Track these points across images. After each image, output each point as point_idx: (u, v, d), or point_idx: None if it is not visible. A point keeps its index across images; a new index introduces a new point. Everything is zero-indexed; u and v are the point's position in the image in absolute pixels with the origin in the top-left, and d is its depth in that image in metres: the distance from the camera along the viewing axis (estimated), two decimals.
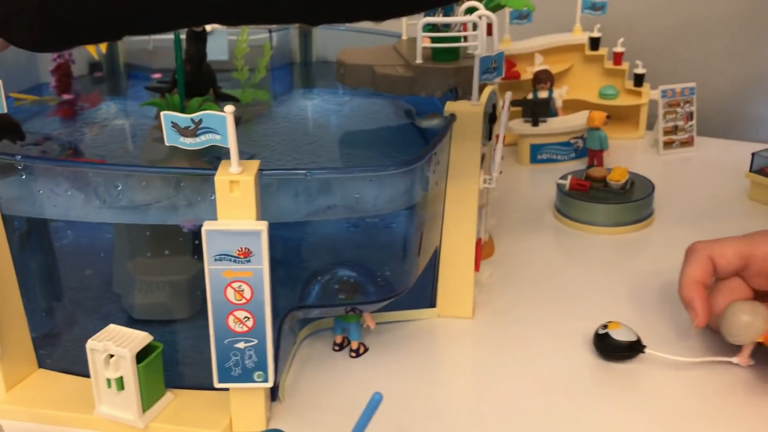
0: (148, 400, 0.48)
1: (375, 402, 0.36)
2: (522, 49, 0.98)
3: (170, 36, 0.86)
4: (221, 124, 0.41)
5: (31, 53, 0.77)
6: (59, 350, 0.55)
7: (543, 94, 0.93)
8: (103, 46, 0.81)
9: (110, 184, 0.45)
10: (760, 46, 1.05)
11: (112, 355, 0.46)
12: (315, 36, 0.88)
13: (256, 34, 0.83)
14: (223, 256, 0.43)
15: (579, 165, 0.91)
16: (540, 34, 1.00)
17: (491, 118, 0.60)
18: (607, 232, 0.75)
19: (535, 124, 0.91)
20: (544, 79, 0.93)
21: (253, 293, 0.44)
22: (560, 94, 0.97)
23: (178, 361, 0.54)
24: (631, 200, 0.76)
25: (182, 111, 0.58)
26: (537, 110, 0.91)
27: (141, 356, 0.47)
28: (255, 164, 0.43)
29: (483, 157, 0.59)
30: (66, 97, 0.76)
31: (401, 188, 0.47)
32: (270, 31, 0.84)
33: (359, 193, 0.46)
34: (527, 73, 0.97)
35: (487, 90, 0.58)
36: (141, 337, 0.47)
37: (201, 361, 0.53)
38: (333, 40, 0.84)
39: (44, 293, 0.56)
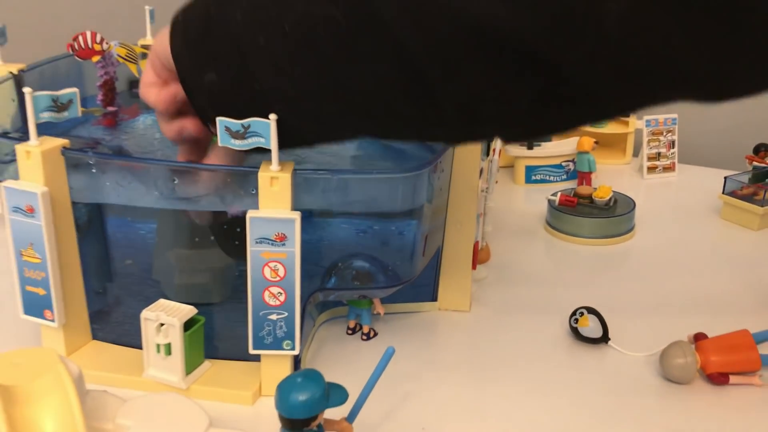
0: (190, 365, 0.56)
1: (388, 355, 0.44)
2: None
3: None
4: (266, 129, 0.49)
5: (79, 70, 0.86)
6: (109, 325, 0.63)
7: None
8: (143, 65, 0.89)
9: (168, 178, 0.53)
10: None
11: (162, 324, 0.54)
12: None
13: None
14: (262, 240, 0.51)
15: (570, 185, 0.99)
16: None
17: None
18: (592, 243, 0.84)
19: (530, 147, 1.00)
20: None
21: (286, 272, 0.52)
22: None
23: (212, 337, 0.62)
24: (614, 215, 0.84)
25: None
26: None
27: (186, 327, 0.55)
28: (291, 164, 0.52)
29: (482, 170, 0.67)
30: (110, 109, 0.84)
31: (410, 190, 0.56)
32: None
33: (374, 193, 0.55)
34: None
35: None
36: (188, 310, 0.55)
37: (232, 338, 0.62)
38: None
39: (97, 276, 0.64)
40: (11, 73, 0.75)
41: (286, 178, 0.50)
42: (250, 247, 0.51)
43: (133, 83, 0.93)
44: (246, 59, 0.45)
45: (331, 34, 0.41)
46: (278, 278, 0.52)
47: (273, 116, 0.49)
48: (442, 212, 0.66)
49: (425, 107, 0.41)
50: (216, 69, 0.47)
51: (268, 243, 0.51)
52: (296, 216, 0.51)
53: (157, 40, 0.52)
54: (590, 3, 0.32)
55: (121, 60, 0.85)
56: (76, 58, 0.81)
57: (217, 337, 0.63)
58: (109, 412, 0.43)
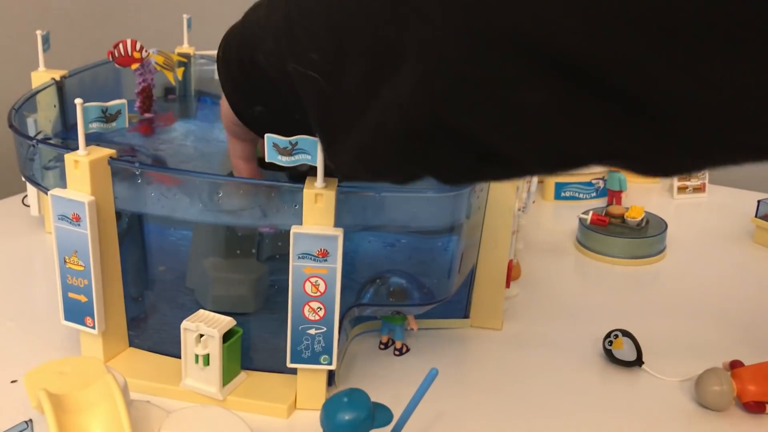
0: (227, 376, 0.56)
1: (431, 376, 0.44)
2: None
3: None
4: (313, 147, 0.50)
5: (118, 77, 0.87)
6: (145, 332, 0.63)
7: None
8: (179, 72, 0.91)
9: (213, 191, 0.54)
10: None
11: (201, 335, 0.55)
12: None
13: None
14: (305, 255, 0.51)
15: (599, 203, 0.99)
16: None
17: None
18: (623, 263, 0.84)
19: None
20: None
21: (327, 288, 0.52)
22: None
23: (248, 348, 0.62)
24: (646, 236, 0.84)
25: None
26: None
27: (224, 338, 0.55)
28: (334, 182, 0.52)
29: (517, 189, 0.67)
30: (147, 115, 0.85)
31: (449, 210, 0.56)
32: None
33: (414, 211, 0.55)
34: None
35: None
36: (227, 321, 0.55)
37: (266, 349, 0.62)
38: None
39: (135, 283, 0.65)
40: (53, 79, 0.76)
41: (330, 195, 0.51)
42: (293, 262, 0.52)
43: (169, 90, 0.94)
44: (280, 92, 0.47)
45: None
46: (319, 294, 0.53)
47: None
48: (477, 230, 0.66)
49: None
50: (260, 102, 0.51)
51: (311, 258, 0.52)
52: (339, 233, 0.51)
53: (222, 101, 0.55)
54: None
55: (158, 68, 0.87)
56: (116, 65, 0.82)
57: (252, 348, 0.63)
58: (154, 424, 0.44)
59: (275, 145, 0.50)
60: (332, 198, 0.51)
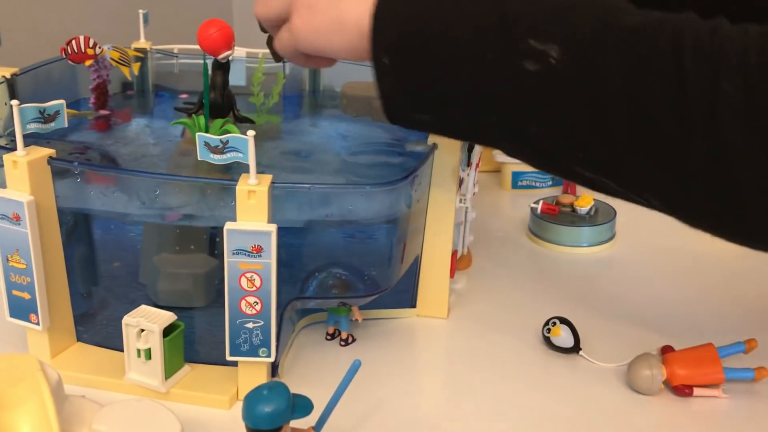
0: (170, 370, 0.58)
1: (354, 368, 0.45)
2: None
3: (195, 60, 0.97)
4: (244, 145, 0.51)
5: (73, 74, 0.88)
6: (94, 327, 0.64)
7: None
8: (135, 68, 0.91)
9: (150, 189, 0.55)
10: None
11: (143, 330, 0.56)
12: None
13: (271, 63, 0.93)
14: (239, 251, 0.53)
15: (556, 192, 1.01)
16: None
17: (470, 147, 0.70)
18: (573, 251, 0.85)
19: None
20: None
21: (262, 282, 0.54)
22: None
23: (194, 341, 0.64)
24: (595, 224, 0.86)
25: (206, 130, 0.68)
26: None
27: (166, 332, 0.57)
28: (268, 178, 0.53)
29: (462, 181, 0.69)
30: (102, 112, 0.86)
31: (387, 202, 0.58)
32: (284, 62, 0.94)
33: (352, 205, 0.57)
34: None
35: None
36: (167, 316, 0.57)
37: (213, 342, 0.64)
38: (339, 72, 0.94)
39: (83, 279, 0.66)
40: (4, 77, 0.76)
41: (263, 191, 0.52)
42: (228, 258, 0.53)
43: (126, 86, 0.94)
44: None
45: None
46: (254, 288, 0.54)
47: (251, 133, 0.51)
48: (420, 222, 0.67)
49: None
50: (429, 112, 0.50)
51: (245, 254, 0.53)
52: (272, 228, 0.52)
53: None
54: None
55: (114, 63, 0.87)
56: (70, 62, 0.82)
57: (199, 341, 0.64)
58: (86, 418, 0.45)
59: (206, 144, 0.51)
60: (265, 194, 0.52)
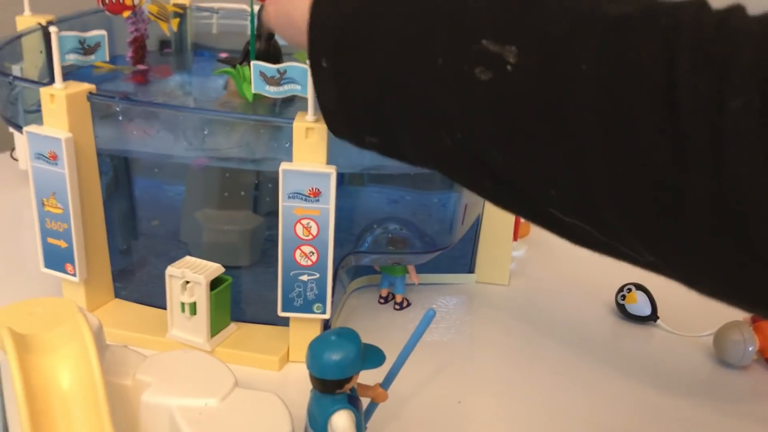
0: (215, 327, 0.53)
1: (429, 317, 0.41)
2: None
3: (235, 21, 0.92)
4: (303, 75, 0.46)
5: (110, 26, 0.84)
6: (133, 284, 0.60)
7: None
8: (174, 24, 0.87)
9: (198, 127, 0.51)
10: None
11: (188, 282, 0.52)
12: None
13: None
14: (295, 195, 0.48)
15: None
16: None
17: None
18: None
19: None
20: None
21: (319, 230, 0.49)
22: None
23: (240, 300, 0.59)
24: None
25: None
26: None
27: (212, 286, 0.52)
28: None
29: None
30: (140, 67, 0.82)
31: None
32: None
33: None
34: None
35: None
36: (215, 268, 0.52)
37: (260, 301, 0.59)
38: None
39: (122, 235, 0.62)
40: (39, 24, 0.73)
41: (322, 128, 0.47)
42: (283, 202, 0.48)
43: (164, 43, 0.90)
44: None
45: None
46: (311, 237, 0.49)
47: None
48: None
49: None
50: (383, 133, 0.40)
51: (302, 198, 0.48)
52: (332, 170, 0.47)
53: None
54: None
55: (152, 17, 0.83)
56: (107, 12, 0.78)
57: (245, 300, 0.60)
58: (130, 368, 0.41)
59: (262, 74, 0.46)
60: (324, 132, 0.47)
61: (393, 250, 0.57)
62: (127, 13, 0.80)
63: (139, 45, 0.82)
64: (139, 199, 0.64)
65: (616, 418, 0.50)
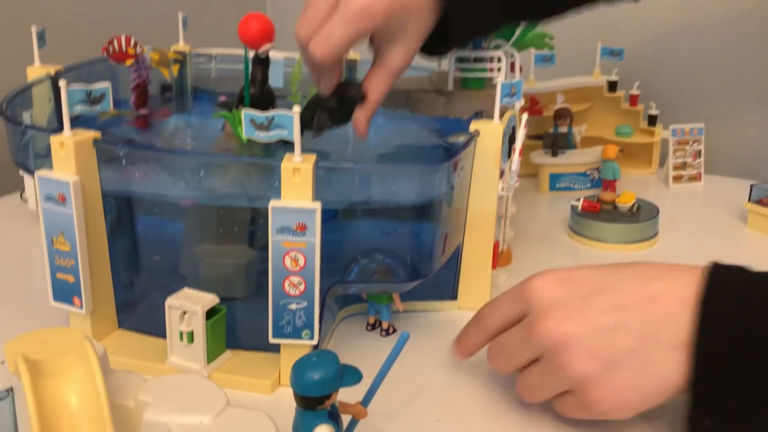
0: (212, 354, 0.57)
1: (403, 339, 0.45)
2: (545, 88, 1.08)
3: (233, 65, 0.98)
4: (289, 121, 0.51)
5: (114, 74, 0.89)
6: (135, 315, 0.64)
7: (563, 130, 1.02)
8: (175, 70, 0.92)
9: (195, 169, 0.55)
10: (766, 93, 1.14)
11: (185, 312, 0.56)
12: (359, 70, 0.98)
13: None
14: (284, 229, 0.52)
15: (595, 193, 0.99)
16: (562, 76, 1.10)
17: (511, 139, 0.69)
18: (615, 248, 0.84)
19: (554, 155, 1.01)
20: (564, 115, 1.02)
21: (306, 262, 0.53)
22: (579, 131, 1.06)
23: (235, 329, 0.63)
24: (638, 221, 0.84)
25: None
26: (556, 142, 1.01)
27: (208, 316, 0.56)
28: (313, 156, 0.53)
29: (503, 173, 0.68)
30: (142, 111, 0.87)
31: (430, 184, 0.57)
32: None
33: (395, 186, 0.56)
34: (549, 110, 1.07)
35: (508, 114, 0.68)
36: (210, 299, 0.56)
37: (254, 330, 0.63)
38: None
39: (126, 270, 0.66)
40: (48, 74, 0.78)
41: (308, 169, 0.52)
42: (272, 237, 0.53)
43: (165, 88, 0.95)
44: None
45: None
46: (298, 268, 0.53)
47: (296, 109, 0.51)
48: (462, 212, 0.66)
49: None
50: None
51: (289, 233, 0.52)
52: (317, 206, 0.52)
53: None
54: None
55: (154, 64, 0.88)
56: (111, 61, 0.83)
57: (240, 329, 0.64)
58: (131, 390, 0.45)
59: (252, 121, 0.51)
60: (310, 172, 0.52)
61: (377, 279, 0.61)
62: (130, 62, 0.85)
63: (141, 90, 0.87)
64: (141, 236, 0.68)
65: None
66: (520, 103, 0.71)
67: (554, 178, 1.01)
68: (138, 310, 0.65)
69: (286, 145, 0.53)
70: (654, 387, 0.45)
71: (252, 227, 0.68)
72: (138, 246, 0.68)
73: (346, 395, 0.46)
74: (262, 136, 0.52)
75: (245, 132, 0.52)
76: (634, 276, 0.47)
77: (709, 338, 0.43)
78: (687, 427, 0.45)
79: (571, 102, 1.07)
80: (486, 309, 0.54)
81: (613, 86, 1.10)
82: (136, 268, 0.68)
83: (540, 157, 1.01)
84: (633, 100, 1.10)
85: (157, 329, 0.61)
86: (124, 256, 0.66)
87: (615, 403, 0.46)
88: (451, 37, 0.62)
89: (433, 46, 0.63)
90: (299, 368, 0.40)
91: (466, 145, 0.61)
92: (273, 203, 0.52)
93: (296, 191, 0.52)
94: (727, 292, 0.44)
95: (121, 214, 0.66)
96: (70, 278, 0.57)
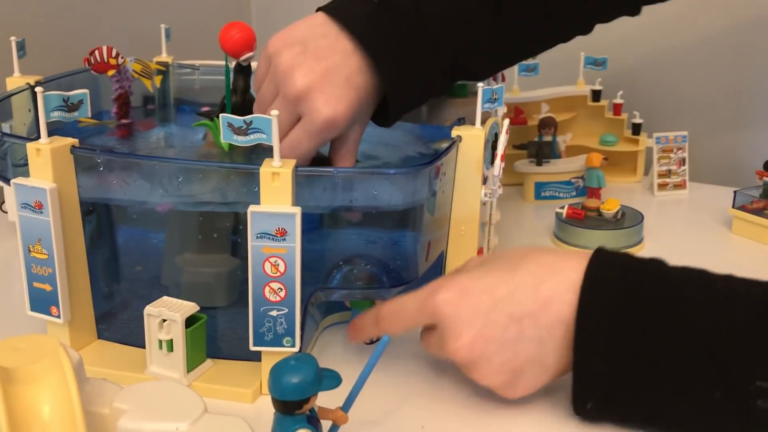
0: (192, 363, 0.56)
1: (383, 343, 0.44)
2: (529, 98, 1.08)
3: (216, 76, 0.97)
4: (267, 125, 0.51)
5: (96, 85, 0.88)
6: (115, 326, 0.63)
7: (547, 138, 1.02)
8: (157, 81, 0.92)
9: (173, 175, 0.55)
10: (748, 101, 1.15)
11: (164, 320, 0.55)
12: None
13: None
14: (263, 234, 0.52)
15: (579, 201, 0.99)
16: (546, 85, 1.10)
17: (493, 146, 0.69)
18: None
19: (539, 164, 1.01)
20: (548, 124, 1.03)
21: (287, 267, 0.52)
22: (564, 140, 1.07)
23: (216, 338, 0.62)
24: (622, 227, 0.84)
25: None
26: (541, 151, 1.01)
27: (188, 324, 0.56)
28: (292, 162, 0.53)
29: (486, 179, 0.68)
30: (124, 122, 0.86)
31: (412, 188, 0.57)
32: None
33: (377, 191, 0.56)
34: (534, 120, 1.07)
35: (490, 120, 0.68)
36: (189, 306, 0.55)
37: (235, 339, 0.62)
38: None
39: (106, 280, 0.65)
40: (28, 84, 0.77)
41: (287, 173, 0.51)
42: (251, 242, 0.52)
43: (148, 99, 0.95)
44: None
45: None
46: (278, 274, 0.53)
47: (275, 112, 0.50)
48: (445, 218, 0.66)
49: None
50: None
51: (269, 238, 0.52)
52: (297, 211, 0.51)
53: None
54: None
55: (136, 75, 0.88)
56: (92, 72, 0.83)
57: (222, 338, 0.63)
58: (107, 398, 0.44)
59: (230, 125, 0.51)
60: (289, 176, 0.51)
61: (360, 286, 0.60)
62: (111, 72, 0.84)
63: (123, 101, 0.87)
64: (122, 247, 0.68)
65: None
66: (502, 109, 0.71)
67: (539, 187, 1.01)
68: (118, 320, 0.64)
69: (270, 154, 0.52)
70: (554, 376, 0.53)
71: (235, 237, 0.67)
72: (118, 256, 0.67)
73: (327, 401, 0.45)
74: (240, 141, 0.51)
75: (223, 137, 0.51)
76: (527, 280, 0.52)
77: (586, 324, 0.48)
78: (573, 409, 0.51)
79: (555, 111, 1.08)
80: (388, 314, 0.56)
81: (596, 95, 1.10)
82: (116, 278, 0.67)
83: (525, 166, 1.01)
84: (617, 109, 1.10)
85: (137, 340, 0.60)
86: (103, 266, 0.65)
87: (521, 394, 0.54)
88: (391, 113, 0.63)
89: (379, 115, 0.64)
90: (277, 372, 0.40)
91: (448, 149, 0.60)
92: (252, 208, 0.51)
93: (275, 196, 0.52)
94: (604, 278, 0.49)
95: (101, 223, 0.65)
96: (48, 287, 0.56)
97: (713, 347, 0.45)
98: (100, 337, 0.62)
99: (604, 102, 1.10)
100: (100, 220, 0.64)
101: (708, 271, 0.50)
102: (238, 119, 0.51)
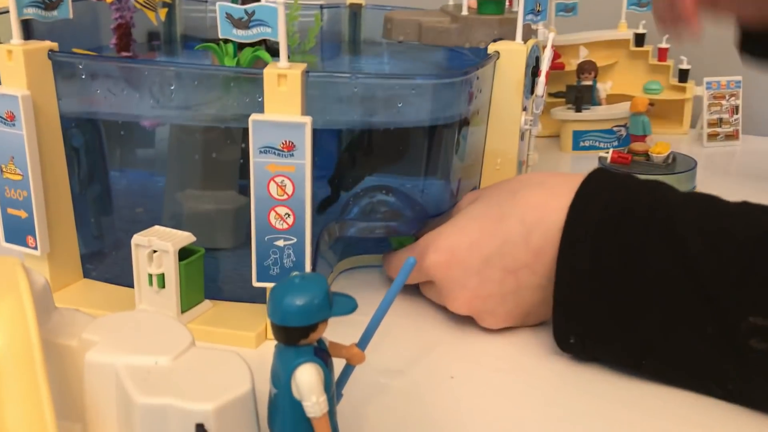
0: (187, 302, 0.49)
1: (410, 264, 0.36)
2: (567, 41, 0.99)
3: None
4: (273, 16, 0.43)
5: (95, 16, 0.81)
6: (104, 265, 0.56)
7: (587, 83, 0.93)
8: (162, 14, 0.84)
9: (165, 83, 0.47)
10: None
11: (155, 251, 0.48)
12: (364, 16, 0.90)
13: (307, 10, 0.86)
14: (267, 149, 0.44)
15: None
16: (585, 29, 1.01)
17: (533, 71, 0.60)
18: None
19: (578, 110, 0.92)
20: (588, 69, 0.94)
21: (295, 189, 0.45)
22: (604, 88, 0.98)
23: (219, 280, 0.55)
24: (674, 172, 0.75)
25: (236, 57, 0.60)
26: (580, 96, 0.92)
27: (183, 257, 0.48)
28: (302, 65, 0.45)
29: (525, 108, 0.59)
30: (124, 54, 0.79)
31: (442, 102, 0.49)
32: (321, 8, 0.87)
33: (401, 103, 0.48)
34: (572, 65, 0.98)
35: (531, 42, 0.59)
36: (184, 236, 0.48)
37: (240, 280, 0.55)
38: (381, 21, 0.86)
39: (96, 216, 0.58)
40: None
41: (295, 75, 0.43)
42: (254, 158, 0.44)
43: (153, 35, 0.87)
44: None
45: None
46: (286, 196, 0.45)
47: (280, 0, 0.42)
48: (478, 147, 0.58)
49: None
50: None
51: (274, 153, 0.44)
52: (307, 121, 0.43)
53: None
54: None
55: (138, 5, 0.80)
56: None
57: (225, 280, 0.56)
58: (77, 329, 0.37)
59: (228, 16, 0.43)
60: (298, 79, 0.43)
61: (381, 218, 0.52)
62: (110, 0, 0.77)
63: (123, 32, 0.79)
64: (118, 186, 0.60)
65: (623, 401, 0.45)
66: (545, 28, 0.62)
67: (578, 136, 0.93)
68: (108, 260, 0.57)
69: None
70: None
71: (243, 181, 0.59)
72: (110, 188, 0.60)
73: (341, 336, 0.38)
74: (240, 36, 0.43)
75: (221, 31, 0.44)
76: (516, 230, 0.48)
77: (568, 254, 0.45)
78: (557, 344, 0.47)
79: (594, 57, 0.98)
80: (387, 269, 0.57)
81: (640, 39, 1.01)
82: (109, 216, 0.60)
83: (563, 112, 0.92)
84: (662, 54, 1.01)
85: (127, 279, 0.53)
86: (94, 204, 0.58)
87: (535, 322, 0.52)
88: None
89: None
90: (278, 292, 0.32)
91: (484, 61, 0.52)
92: (254, 117, 0.44)
93: (282, 103, 0.44)
94: (587, 210, 0.45)
95: (90, 149, 0.58)
96: (23, 213, 0.49)
97: (704, 279, 0.42)
98: (86, 276, 0.55)
99: (648, 47, 1.01)
100: (90, 156, 0.57)
101: (717, 198, 0.47)
102: (238, 8, 0.43)
